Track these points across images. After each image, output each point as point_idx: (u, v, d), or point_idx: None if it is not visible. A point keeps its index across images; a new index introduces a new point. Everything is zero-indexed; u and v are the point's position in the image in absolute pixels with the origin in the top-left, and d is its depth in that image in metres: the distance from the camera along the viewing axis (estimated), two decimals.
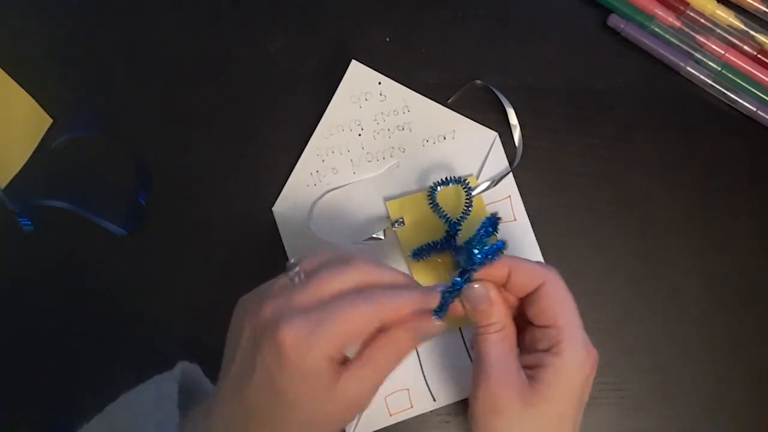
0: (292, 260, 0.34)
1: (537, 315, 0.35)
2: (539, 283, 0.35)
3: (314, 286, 0.32)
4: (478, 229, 0.36)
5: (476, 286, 0.35)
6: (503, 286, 0.36)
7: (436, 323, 0.34)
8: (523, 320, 0.37)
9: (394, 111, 0.47)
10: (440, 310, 0.34)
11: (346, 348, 0.32)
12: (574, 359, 0.34)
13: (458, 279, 0.35)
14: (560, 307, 0.35)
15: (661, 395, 0.46)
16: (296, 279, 0.33)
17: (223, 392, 0.33)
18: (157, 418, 0.33)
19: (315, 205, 0.47)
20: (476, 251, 0.35)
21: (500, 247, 0.35)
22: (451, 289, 0.35)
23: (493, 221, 0.37)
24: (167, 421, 0.33)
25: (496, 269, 0.36)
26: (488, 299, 0.35)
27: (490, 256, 0.35)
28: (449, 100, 0.48)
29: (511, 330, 0.36)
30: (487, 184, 0.46)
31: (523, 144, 0.47)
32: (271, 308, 0.32)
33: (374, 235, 0.46)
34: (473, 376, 0.35)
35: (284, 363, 0.30)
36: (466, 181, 0.44)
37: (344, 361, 0.33)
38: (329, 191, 0.47)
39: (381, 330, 0.33)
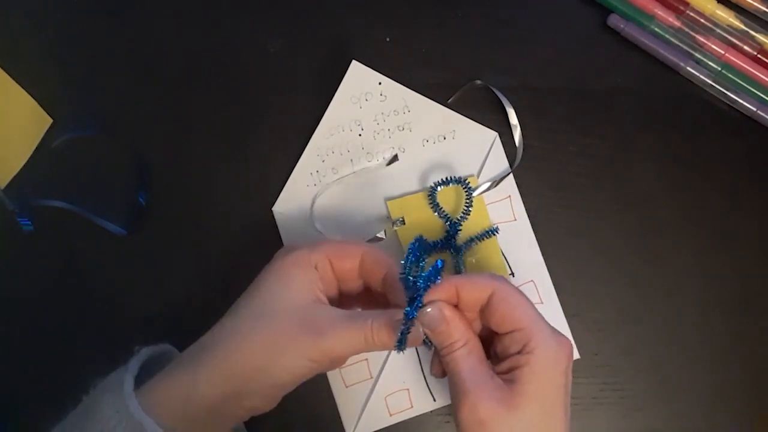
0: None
1: (499, 323, 0.35)
2: (489, 294, 0.35)
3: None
4: (407, 256, 0.35)
5: (428, 309, 0.35)
6: (456, 305, 0.36)
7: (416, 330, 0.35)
8: (488, 332, 0.37)
9: (395, 111, 0.47)
10: (401, 344, 0.34)
11: (330, 269, 0.37)
12: (547, 353, 0.34)
13: (408, 309, 0.34)
14: (519, 309, 0.35)
15: (661, 395, 0.46)
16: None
17: (215, 332, 0.36)
18: (115, 376, 0.35)
19: (317, 202, 0.47)
20: (414, 279, 0.34)
21: (439, 267, 0.34)
22: (405, 321, 0.34)
23: (420, 245, 0.36)
24: (122, 372, 0.34)
25: (443, 291, 0.35)
26: (444, 320, 0.35)
27: (432, 278, 0.34)
28: (449, 100, 0.48)
29: (474, 342, 0.36)
30: (487, 184, 0.46)
31: (523, 144, 0.47)
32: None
33: (377, 235, 0.46)
34: (452, 395, 0.35)
35: (269, 266, 0.36)
36: (467, 182, 0.44)
37: (331, 321, 0.34)
38: (335, 181, 0.47)
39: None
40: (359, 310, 0.40)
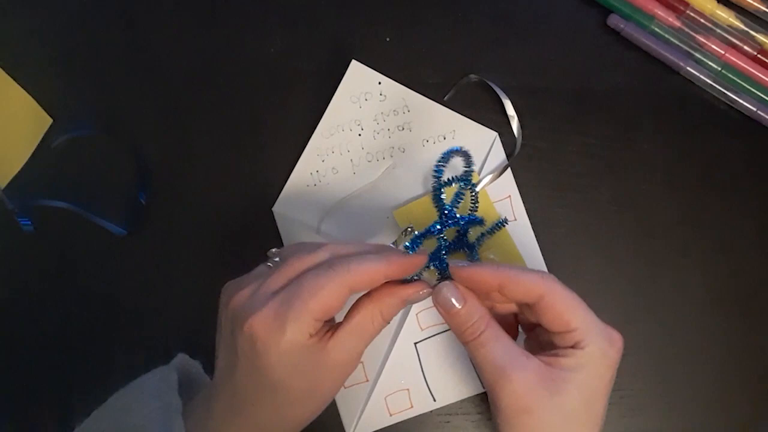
0: (273, 250, 0.35)
1: (550, 323, 0.34)
2: (536, 298, 0.34)
3: (284, 268, 0.33)
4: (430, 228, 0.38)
5: (444, 288, 0.35)
6: (502, 293, 0.35)
7: (422, 290, 0.35)
8: (528, 321, 0.37)
9: (394, 111, 0.47)
10: (411, 248, 0.35)
11: (322, 319, 0.32)
12: (598, 349, 0.33)
13: (407, 244, 0.36)
14: (569, 313, 0.34)
15: (661, 395, 0.46)
16: (270, 265, 0.34)
17: (216, 382, 0.34)
18: (156, 407, 0.33)
19: (323, 220, 0.47)
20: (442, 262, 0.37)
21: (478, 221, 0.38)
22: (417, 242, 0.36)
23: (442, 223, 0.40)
24: (170, 409, 0.33)
25: (485, 279, 0.35)
26: (455, 302, 0.35)
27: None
28: (445, 97, 0.48)
29: (496, 325, 0.35)
30: (489, 177, 0.46)
31: (523, 144, 0.47)
32: (240, 297, 0.33)
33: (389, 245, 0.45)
34: (489, 385, 0.34)
35: (260, 349, 0.31)
36: (469, 178, 0.44)
37: (330, 328, 0.33)
38: (341, 201, 0.47)
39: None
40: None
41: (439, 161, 0.40)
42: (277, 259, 0.34)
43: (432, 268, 0.39)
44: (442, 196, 0.43)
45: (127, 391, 0.35)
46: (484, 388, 0.35)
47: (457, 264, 0.36)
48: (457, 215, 0.43)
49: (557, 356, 0.34)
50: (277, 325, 0.31)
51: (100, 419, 0.35)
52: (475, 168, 0.47)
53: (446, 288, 0.35)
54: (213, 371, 0.39)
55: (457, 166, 0.47)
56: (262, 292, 0.32)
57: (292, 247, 0.36)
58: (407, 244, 0.36)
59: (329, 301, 0.32)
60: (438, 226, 0.39)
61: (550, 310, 0.34)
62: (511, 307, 0.38)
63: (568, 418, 0.32)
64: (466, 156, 0.40)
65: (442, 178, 0.41)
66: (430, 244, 0.42)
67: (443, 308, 0.35)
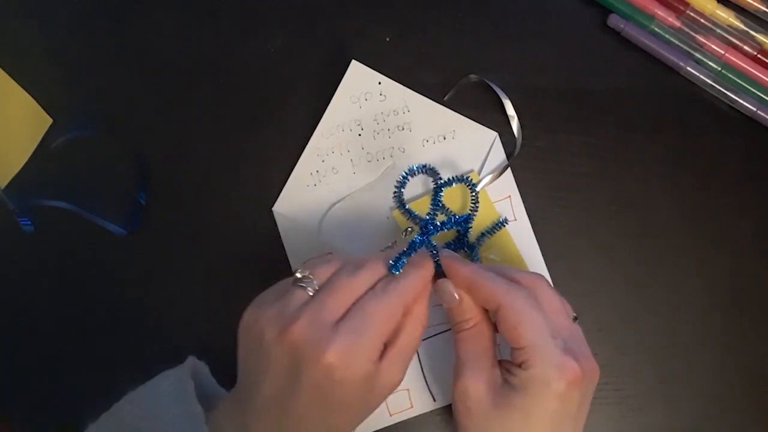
0: (301, 271, 0.35)
1: (505, 335, 0.35)
2: (496, 306, 0.35)
3: (337, 295, 0.34)
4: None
5: (446, 282, 0.37)
6: (470, 295, 0.37)
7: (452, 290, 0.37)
8: None
9: (394, 111, 0.47)
10: (395, 268, 0.36)
11: (384, 344, 0.34)
12: (542, 377, 0.33)
13: (417, 238, 0.38)
14: (520, 329, 0.34)
15: (661, 395, 0.46)
16: (310, 290, 0.34)
17: (258, 406, 0.33)
18: (178, 414, 0.33)
19: (323, 218, 0.46)
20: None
21: (459, 220, 0.40)
22: (407, 250, 0.37)
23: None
24: (192, 418, 0.33)
25: (457, 273, 0.37)
26: (454, 297, 0.37)
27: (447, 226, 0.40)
28: (445, 97, 0.48)
29: (484, 327, 0.37)
30: (489, 177, 0.46)
31: (523, 144, 0.47)
32: (301, 330, 0.32)
33: (389, 245, 0.45)
34: (453, 377, 0.36)
35: (335, 378, 0.32)
36: (469, 178, 0.44)
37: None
38: (336, 203, 0.46)
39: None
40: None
41: (404, 176, 0.42)
42: (311, 278, 0.34)
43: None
44: (407, 207, 0.44)
45: (142, 396, 0.35)
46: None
47: (445, 254, 0.38)
48: (439, 220, 0.44)
49: (509, 372, 0.35)
50: (353, 356, 0.32)
51: (112, 424, 0.34)
52: (475, 168, 0.47)
53: (447, 282, 0.37)
54: (215, 371, 0.39)
55: (455, 168, 0.47)
56: (323, 321, 0.32)
57: (327, 268, 0.35)
58: (391, 262, 0.36)
59: (390, 324, 0.34)
60: (419, 238, 0.39)
61: (504, 322, 0.35)
62: None
63: None
64: (433, 173, 0.42)
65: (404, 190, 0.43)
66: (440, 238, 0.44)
67: (443, 299, 0.37)
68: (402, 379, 0.35)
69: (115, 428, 0.34)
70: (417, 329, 0.35)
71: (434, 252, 0.39)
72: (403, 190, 0.43)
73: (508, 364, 0.35)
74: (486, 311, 0.38)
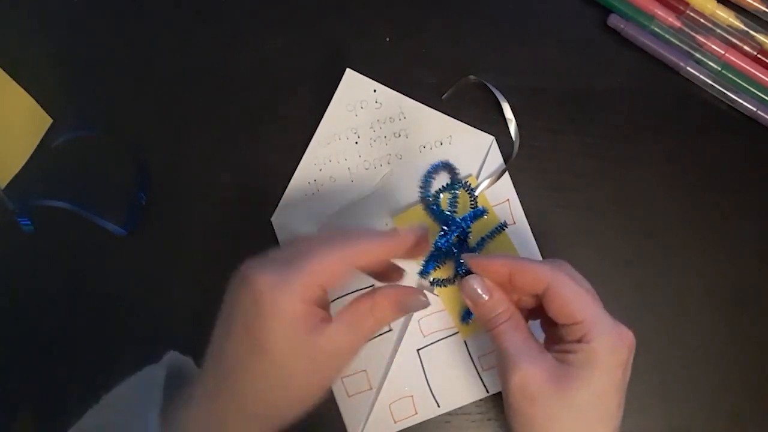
0: None
1: (556, 315, 0.35)
2: (543, 287, 0.35)
3: (293, 244, 0.34)
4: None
5: (471, 280, 0.36)
6: (512, 283, 0.36)
7: (420, 298, 0.35)
8: (546, 316, 0.37)
9: (390, 118, 0.47)
10: (424, 271, 0.37)
11: (321, 291, 0.32)
12: (605, 345, 0.33)
13: (439, 240, 0.39)
14: (575, 304, 0.34)
15: (661, 395, 0.46)
16: None
17: (206, 358, 0.33)
18: (138, 403, 0.33)
19: (322, 228, 0.46)
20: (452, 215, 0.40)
21: (480, 213, 0.40)
22: (435, 251, 0.38)
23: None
24: (149, 404, 0.33)
25: (494, 269, 0.36)
26: (480, 294, 0.36)
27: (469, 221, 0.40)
28: (443, 96, 0.48)
29: (519, 317, 0.36)
30: (488, 181, 0.46)
31: (523, 144, 0.47)
32: (249, 263, 0.33)
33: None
34: (501, 373, 0.35)
35: (258, 307, 0.31)
36: (468, 183, 0.44)
37: (328, 317, 0.33)
38: (335, 212, 0.46)
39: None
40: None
41: (429, 172, 0.43)
42: None
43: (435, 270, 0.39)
44: (436, 204, 0.43)
45: (117, 390, 0.35)
46: (499, 377, 0.36)
47: (470, 256, 0.38)
48: (458, 218, 0.43)
49: (566, 352, 0.34)
50: (279, 284, 0.31)
51: (91, 417, 0.35)
52: (473, 173, 0.47)
53: (473, 280, 0.36)
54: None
55: (454, 172, 0.47)
56: (270, 258, 0.33)
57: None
58: (423, 263, 0.38)
59: (328, 267, 0.32)
60: (443, 239, 0.40)
61: (556, 301, 0.34)
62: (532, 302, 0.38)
63: (577, 414, 0.32)
64: (451, 169, 0.43)
65: (430, 187, 0.43)
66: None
67: (470, 299, 0.36)
68: (347, 359, 0.33)
69: (91, 421, 0.35)
70: (373, 315, 0.33)
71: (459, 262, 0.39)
72: (429, 188, 0.43)
73: (562, 345, 0.35)
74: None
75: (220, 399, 0.32)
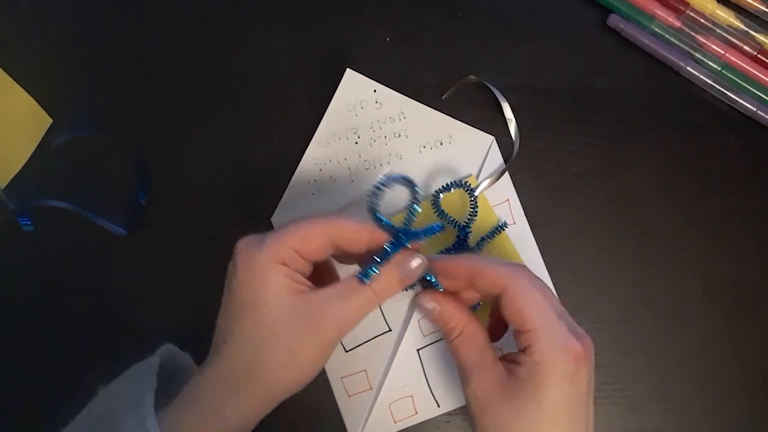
0: None
1: (509, 320, 0.35)
2: (500, 290, 0.34)
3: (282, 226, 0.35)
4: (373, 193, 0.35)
5: (423, 299, 0.36)
6: (472, 285, 0.36)
7: (418, 260, 0.35)
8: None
9: (390, 118, 0.47)
10: (365, 276, 0.34)
11: (296, 256, 0.33)
12: (548, 359, 0.32)
13: (387, 248, 0.35)
14: (527, 310, 0.33)
15: (661, 395, 0.46)
16: None
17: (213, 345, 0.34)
18: (131, 387, 0.34)
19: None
20: (397, 229, 0.35)
21: (435, 229, 0.36)
22: (381, 257, 0.34)
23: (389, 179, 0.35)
24: (144, 389, 0.33)
25: (460, 271, 0.36)
26: (428, 309, 0.36)
27: (422, 235, 0.35)
28: (443, 96, 0.48)
29: (473, 328, 0.36)
30: (488, 181, 0.46)
31: (523, 144, 0.47)
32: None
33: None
34: (461, 384, 0.36)
35: (236, 267, 0.33)
36: (467, 183, 0.44)
37: (311, 287, 0.34)
38: (338, 209, 0.46)
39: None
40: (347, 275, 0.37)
41: (381, 183, 0.35)
42: None
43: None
44: (379, 215, 0.37)
45: (112, 384, 0.36)
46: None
47: (433, 257, 0.37)
48: (415, 230, 0.37)
49: (514, 363, 0.34)
50: (257, 246, 0.33)
51: (88, 409, 0.35)
52: (473, 173, 0.47)
53: (421, 297, 0.37)
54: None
55: (453, 173, 0.47)
56: (259, 233, 0.35)
57: None
58: (360, 271, 0.35)
59: (306, 234, 0.34)
60: (391, 247, 0.35)
61: (510, 305, 0.34)
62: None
63: (528, 425, 0.32)
64: (410, 184, 0.36)
65: (378, 197, 0.36)
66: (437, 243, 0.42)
67: (423, 313, 0.37)
68: (337, 332, 0.33)
69: (88, 412, 0.35)
70: (360, 283, 0.34)
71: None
72: (377, 200, 0.36)
73: (512, 355, 0.35)
74: (472, 313, 0.37)
75: (216, 373, 0.33)
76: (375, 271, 0.34)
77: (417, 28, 0.49)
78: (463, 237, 0.44)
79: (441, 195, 0.44)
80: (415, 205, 0.36)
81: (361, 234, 0.35)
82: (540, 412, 0.32)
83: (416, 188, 0.36)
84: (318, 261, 0.36)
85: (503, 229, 0.45)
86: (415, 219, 0.36)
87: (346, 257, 0.38)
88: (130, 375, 0.35)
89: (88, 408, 0.35)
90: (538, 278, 0.36)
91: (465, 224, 0.44)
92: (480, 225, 0.45)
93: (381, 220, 0.35)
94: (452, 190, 0.44)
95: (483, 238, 0.45)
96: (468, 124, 0.47)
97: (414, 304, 0.37)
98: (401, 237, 0.35)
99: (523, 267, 0.36)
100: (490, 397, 0.34)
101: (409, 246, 0.35)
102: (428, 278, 0.37)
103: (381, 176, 0.36)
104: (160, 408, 0.32)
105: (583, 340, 0.34)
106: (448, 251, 0.45)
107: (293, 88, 0.48)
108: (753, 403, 0.46)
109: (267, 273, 0.32)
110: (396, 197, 0.46)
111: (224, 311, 0.34)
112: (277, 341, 0.32)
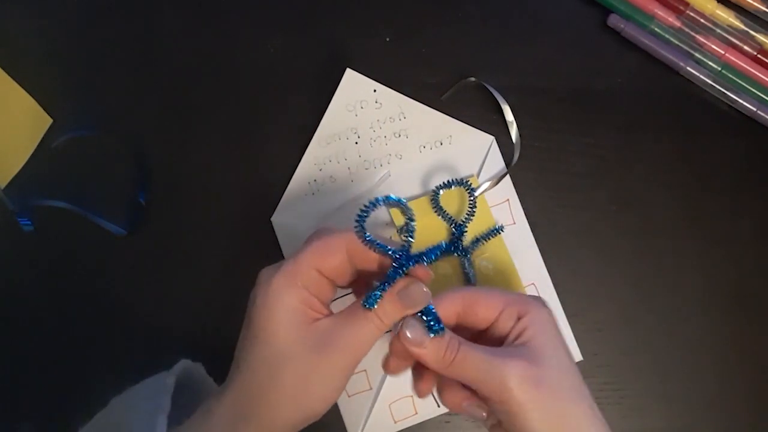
0: None
1: (485, 317, 0.35)
2: (465, 307, 0.35)
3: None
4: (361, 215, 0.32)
5: (406, 329, 0.34)
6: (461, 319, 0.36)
7: (422, 288, 0.33)
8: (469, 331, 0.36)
9: (390, 118, 0.47)
10: (371, 302, 0.32)
11: (318, 270, 0.33)
12: (538, 309, 0.35)
13: (390, 273, 0.32)
14: (492, 297, 0.35)
15: (661, 395, 0.46)
16: None
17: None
18: (146, 409, 0.33)
19: (323, 223, 0.46)
20: (398, 253, 0.32)
21: (438, 251, 0.34)
22: (384, 282, 0.32)
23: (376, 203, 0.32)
24: (157, 410, 0.33)
25: (455, 304, 0.36)
26: (422, 336, 0.34)
27: (425, 259, 0.33)
28: (443, 97, 0.48)
29: (461, 339, 0.35)
30: (488, 183, 0.46)
31: (523, 144, 0.47)
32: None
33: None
34: (490, 380, 0.33)
35: (255, 296, 0.32)
36: (468, 182, 0.44)
37: (324, 312, 0.33)
38: (334, 211, 0.46)
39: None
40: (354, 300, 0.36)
41: (367, 207, 0.32)
42: None
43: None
44: (370, 237, 0.33)
45: (125, 396, 0.35)
46: (485, 395, 0.33)
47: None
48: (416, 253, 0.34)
49: (518, 336, 0.34)
50: (274, 270, 0.32)
51: (98, 420, 0.35)
52: (473, 173, 0.47)
53: (409, 326, 0.33)
54: (215, 374, 0.39)
55: (452, 173, 0.47)
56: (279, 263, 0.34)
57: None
58: (365, 299, 0.32)
59: (325, 249, 0.33)
60: (393, 273, 0.33)
61: (474, 310, 0.35)
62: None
63: (558, 388, 0.33)
64: (399, 205, 0.33)
65: (364, 221, 0.32)
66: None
67: (414, 347, 0.33)
68: (349, 352, 0.32)
69: (99, 427, 0.34)
70: (381, 302, 0.32)
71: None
72: (363, 222, 0.32)
73: (511, 335, 0.35)
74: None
75: (228, 401, 0.32)
76: (378, 296, 0.32)
77: (417, 28, 0.49)
78: (458, 236, 0.44)
79: (441, 191, 0.44)
80: (413, 223, 0.33)
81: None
82: (556, 365, 0.33)
83: (406, 205, 0.32)
84: (343, 282, 0.35)
85: (499, 233, 0.45)
86: (413, 240, 0.33)
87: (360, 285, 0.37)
88: (143, 392, 0.35)
89: (97, 419, 0.35)
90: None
91: (461, 223, 0.44)
92: (476, 226, 0.45)
93: (377, 244, 0.32)
94: (453, 187, 0.44)
95: (478, 239, 0.45)
96: (468, 124, 0.47)
97: (404, 339, 0.34)
98: (403, 261, 0.33)
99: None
100: (530, 368, 0.32)
101: (411, 269, 0.33)
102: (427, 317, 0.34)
103: (366, 203, 0.32)
104: (171, 427, 0.32)
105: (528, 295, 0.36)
106: (441, 248, 0.44)
107: (293, 88, 0.48)
108: (753, 402, 0.46)
109: (280, 299, 0.32)
110: (401, 192, 0.46)
111: (241, 340, 0.33)
112: (289, 371, 0.32)
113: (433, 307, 0.33)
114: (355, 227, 0.32)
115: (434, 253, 0.33)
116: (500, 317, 0.35)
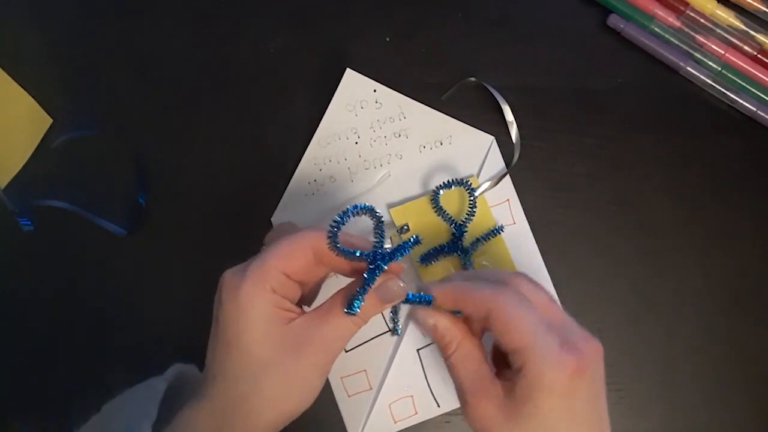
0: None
1: (499, 341, 0.33)
2: (486, 312, 0.33)
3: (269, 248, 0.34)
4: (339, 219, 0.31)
5: (421, 315, 0.35)
6: (462, 310, 0.35)
7: (398, 283, 0.33)
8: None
9: (390, 118, 0.47)
10: (351, 308, 0.32)
11: (284, 273, 0.33)
12: (542, 378, 0.31)
13: (366, 275, 0.33)
14: (514, 331, 0.32)
15: (661, 395, 0.46)
16: None
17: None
18: (134, 417, 0.33)
19: (320, 221, 0.46)
20: (372, 253, 0.33)
21: (409, 244, 0.33)
22: (361, 287, 0.32)
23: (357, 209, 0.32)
24: (142, 419, 0.33)
25: (438, 295, 0.35)
26: (429, 327, 0.35)
27: (393, 254, 0.33)
28: (442, 97, 0.48)
29: (470, 346, 0.35)
30: (488, 183, 0.46)
31: (523, 144, 0.47)
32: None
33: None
34: (459, 403, 0.35)
35: (222, 302, 0.32)
36: (469, 182, 0.44)
37: (297, 312, 0.33)
38: (338, 209, 0.45)
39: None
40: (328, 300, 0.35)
41: (334, 224, 0.31)
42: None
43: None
44: (340, 246, 0.33)
45: (116, 402, 0.35)
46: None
47: (422, 285, 0.37)
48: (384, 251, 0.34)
49: (512, 382, 0.33)
50: (241, 275, 0.32)
51: (90, 426, 0.35)
52: (473, 173, 0.47)
53: (418, 313, 0.36)
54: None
55: (452, 173, 0.47)
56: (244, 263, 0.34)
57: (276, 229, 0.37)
58: (347, 305, 0.33)
59: (289, 252, 0.33)
60: (369, 274, 0.33)
61: (497, 327, 0.33)
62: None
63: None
64: (372, 213, 0.32)
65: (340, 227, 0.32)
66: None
67: (422, 329, 0.36)
68: (324, 349, 0.32)
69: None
70: (340, 308, 0.33)
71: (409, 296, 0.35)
72: (336, 237, 0.32)
73: (509, 374, 0.33)
74: (469, 329, 0.36)
75: (208, 408, 0.32)
76: (360, 301, 0.32)
77: (417, 28, 0.49)
78: (458, 236, 0.44)
79: (441, 191, 0.44)
80: (382, 225, 0.33)
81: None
82: (545, 427, 0.31)
83: (373, 210, 0.32)
84: (309, 281, 0.35)
85: (499, 233, 0.45)
86: (384, 240, 0.33)
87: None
88: (133, 398, 0.35)
89: (90, 424, 0.35)
90: (532, 285, 0.35)
91: (462, 223, 0.44)
92: (476, 226, 0.45)
93: (349, 252, 0.32)
94: (453, 187, 0.44)
95: (478, 239, 0.45)
96: (468, 124, 0.47)
97: (413, 320, 0.36)
98: (377, 261, 0.33)
99: (507, 284, 0.35)
100: (492, 417, 0.32)
101: (387, 268, 0.33)
102: (425, 298, 0.35)
103: (336, 216, 0.31)
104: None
105: (580, 349, 0.32)
106: (441, 249, 0.45)
107: (293, 88, 0.48)
108: (753, 402, 0.46)
109: (252, 306, 0.32)
110: (401, 192, 0.46)
111: (213, 346, 0.33)
112: (269, 378, 0.32)
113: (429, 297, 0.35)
114: (328, 243, 0.31)
115: (405, 247, 0.34)
116: (511, 354, 0.33)
